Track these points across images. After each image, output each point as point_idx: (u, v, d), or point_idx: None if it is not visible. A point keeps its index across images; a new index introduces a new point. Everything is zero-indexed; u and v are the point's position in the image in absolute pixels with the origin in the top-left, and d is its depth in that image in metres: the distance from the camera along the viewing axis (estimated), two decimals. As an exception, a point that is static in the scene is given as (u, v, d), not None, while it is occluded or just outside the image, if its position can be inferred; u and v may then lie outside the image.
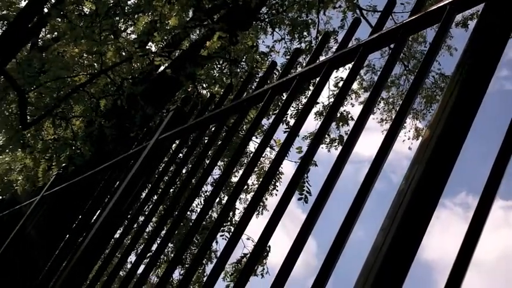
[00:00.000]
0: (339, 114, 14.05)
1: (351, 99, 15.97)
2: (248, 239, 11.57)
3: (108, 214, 2.64)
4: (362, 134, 1.65)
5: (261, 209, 14.86)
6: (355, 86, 16.33)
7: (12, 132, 11.48)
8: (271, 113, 11.74)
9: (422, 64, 1.54)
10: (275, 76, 7.52)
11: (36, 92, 11.05)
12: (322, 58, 2.07)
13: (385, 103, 17.08)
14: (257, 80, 2.38)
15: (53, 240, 3.14)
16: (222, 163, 13.35)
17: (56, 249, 2.99)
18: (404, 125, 16.20)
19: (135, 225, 2.55)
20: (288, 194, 1.72)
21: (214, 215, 13.16)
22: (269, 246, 13.41)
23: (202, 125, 2.53)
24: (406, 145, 16.18)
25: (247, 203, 1.89)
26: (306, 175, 10.60)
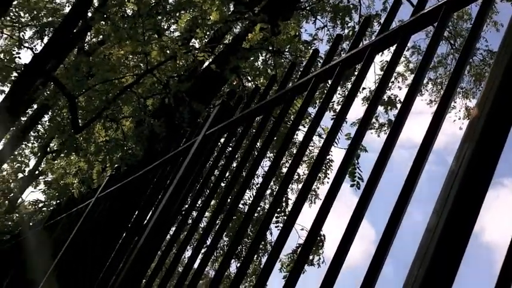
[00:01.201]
0: (386, 98, 13.89)
1: (398, 82, 15.75)
2: (302, 229, 11.57)
3: (162, 211, 2.67)
4: (414, 118, 1.63)
5: (313, 198, 14.83)
6: (401, 68, 16.10)
7: (65, 137, 11.72)
8: (317, 101, 11.69)
9: (466, 42, 1.51)
10: (319, 64, 7.48)
11: (85, 95, 11.26)
12: (365, 42, 2.05)
13: (433, 84, 16.79)
14: (301, 69, 2.37)
15: (110, 240, 3.20)
16: (271, 154, 13.37)
17: (113, 249, 3.05)
18: (454, 104, 15.89)
19: (189, 221, 2.58)
20: (338, 181, 1.71)
21: (267, 205, 13.20)
22: (323, 236, 13.38)
23: (248, 118, 2.53)
24: (461, 127, 15.86)
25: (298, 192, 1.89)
26: (356, 161, 10.52)
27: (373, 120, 15.43)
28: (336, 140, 12.52)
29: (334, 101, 12.99)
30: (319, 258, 13.08)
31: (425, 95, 16.71)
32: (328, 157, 13.18)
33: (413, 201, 1.42)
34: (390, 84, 14.54)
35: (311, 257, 13.39)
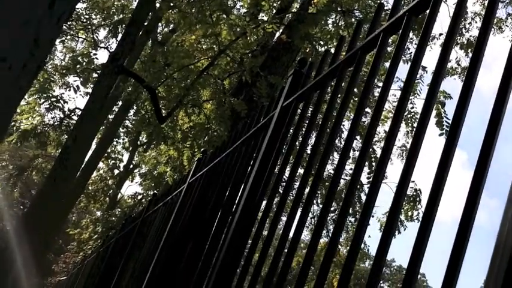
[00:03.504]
0: (465, 41, 13.41)
1: (475, 22, 15.15)
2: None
3: (251, 188, 2.70)
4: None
5: (403, 153, 14.60)
6: (477, 8, 15.45)
7: (151, 128, 12.03)
8: (389, 55, 11.43)
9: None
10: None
11: (164, 85, 11.48)
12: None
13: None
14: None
15: (206, 221, 3.27)
16: (350, 114, 13.21)
17: (211, 228, 3.11)
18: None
19: (277, 195, 2.60)
20: (420, 130, 1.67)
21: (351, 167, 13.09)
22: (419, 190, 13.17)
23: (321, 83, 2.51)
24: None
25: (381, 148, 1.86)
26: (443, 110, 10.25)
27: (455, 65, 14.96)
28: (418, 91, 12.24)
29: (410, 52, 12.68)
30: (418, 213, 12.90)
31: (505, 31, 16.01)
32: (412, 109, 12.92)
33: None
34: (467, 25, 14.02)
35: (410, 213, 13.22)
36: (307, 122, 2.67)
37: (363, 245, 15.92)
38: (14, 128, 17.57)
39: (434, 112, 11.14)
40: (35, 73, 1.16)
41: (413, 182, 13.70)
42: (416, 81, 11.98)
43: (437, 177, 1.49)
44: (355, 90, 5.85)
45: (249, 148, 3.18)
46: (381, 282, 47.54)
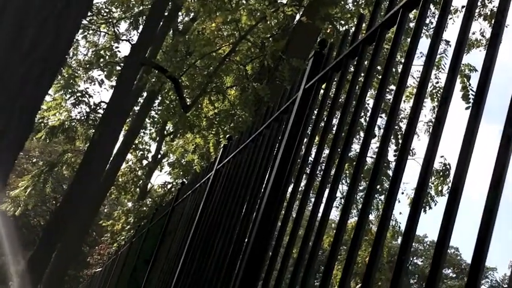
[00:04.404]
0: (489, 12, 13.20)
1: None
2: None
3: (277, 170, 2.72)
4: None
5: (430, 129, 14.47)
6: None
7: (176, 118, 12.09)
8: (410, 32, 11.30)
9: None
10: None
11: (187, 74, 11.52)
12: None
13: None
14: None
15: (235, 205, 3.29)
16: (373, 91, 13.12)
17: (241, 212, 3.14)
18: None
19: (304, 176, 2.61)
20: (444, 103, 1.66)
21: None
22: (449, 164, 13.07)
23: (342, 62, 2.50)
24: None
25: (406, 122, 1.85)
26: (468, 83, 10.13)
27: (480, 36, 14.74)
28: (443, 66, 12.10)
29: (433, 27, 12.50)
30: (448, 188, 12.81)
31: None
32: (437, 84, 12.79)
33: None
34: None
35: (439, 188, 13.13)
36: (330, 103, 2.67)
37: (393, 222, 15.86)
38: (42, 124, 17.80)
39: (459, 86, 11.03)
40: (58, 68, 1.18)
41: (442, 157, 13.60)
42: (440, 55, 11.85)
43: (463, 151, 1.48)
44: (378, 67, 5.82)
45: (273, 132, 3.19)
46: (415, 257, 47.41)
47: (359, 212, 1.91)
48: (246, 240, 2.78)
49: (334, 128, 2.43)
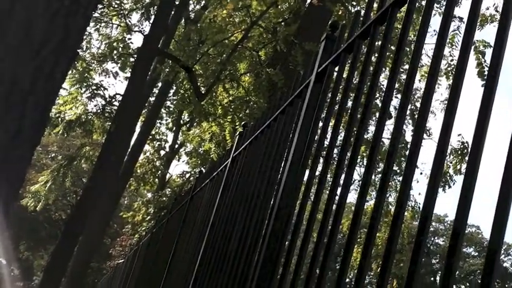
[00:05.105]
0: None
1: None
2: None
3: (293, 156, 2.72)
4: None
5: (442, 109, 14.37)
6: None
7: (192, 107, 12.11)
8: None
9: None
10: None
11: (200, 63, 11.52)
12: None
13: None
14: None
15: (251, 194, 3.30)
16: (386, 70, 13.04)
17: (260, 196, 3.15)
18: None
19: (320, 160, 2.61)
20: (458, 78, 1.65)
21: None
22: (467, 142, 12.98)
23: (354, 45, 2.49)
24: None
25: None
26: (483, 59, 10.04)
27: (494, 11, 14.56)
28: (456, 43, 11.98)
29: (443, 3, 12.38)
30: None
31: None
32: (452, 62, 12.67)
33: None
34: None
35: (458, 166, 13.06)
36: (343, 85, 2.67)
37: (413, 203, 15.82)
38: (59, 119, 17.92)
39: (475, 62, 10.92)
40: (69, 62, 1.19)
41: (459, 135, 13.52)
42: (453, 32, 11.73)
43: (478, 127, 1.48)
44: (392, 47, 5.77)
45: (288, 117, 3.19)
46: (436, 237, 47.26)
47: (377, 193, 1.91)
48: (265, 224, 2.79)
49: (349, 111, 2.42)
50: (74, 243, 17.33)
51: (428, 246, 43.71)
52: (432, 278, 43.91)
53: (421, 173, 15.29)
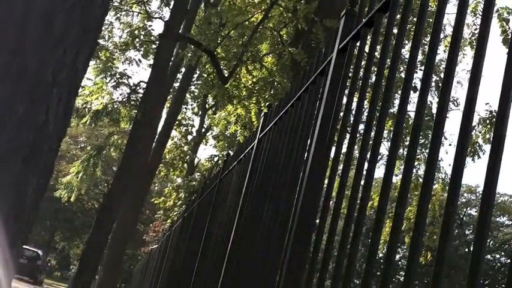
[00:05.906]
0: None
1: None
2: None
3: (318, 134, 2.72)
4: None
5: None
6: None
7: (215, 90, 12.13)
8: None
9: None
10: None
11: (222, 46, 11.51)
12: None
13: None
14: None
15: (281, 170, 3.31)
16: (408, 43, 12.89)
17: (287, 177, 3.16)
18: None
19: (345, 137, 2.60)
20: (480, 48, 1.63)
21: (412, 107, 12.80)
22: (495, 111, 12.82)
23: (374, 19, 2.47)
24: None
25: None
26: (507, 26, 9.86)
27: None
28: (480, 11, 11.78)
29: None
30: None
31: None
32: (476, 31, 12.48)
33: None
34: None
35: (487, 136, 12.92)
36: (365, 60, 2.65)
37: (443, 175, 15.69)
38: (86, 109, 18.11)
39: (499, 30, 10.75)
40: (90, 53, 1.21)
41: (487, 104, 13.35)
42: (476, 1, 11.54)
43: (503, 95, 1.46)
44: (414, 19, 5.70)
45: (312, 95, 3.18)
46: (468, 208, 46.87)
47: (404, 165, 1.90)
48: (294, 202, 2.80)
49: (372, 85, 2.41)
50: (108, 232, 17.59)
51: (460, 217, 43.40)
52: (466, 250, 43.66)
53: (449, 144, 15.15)
